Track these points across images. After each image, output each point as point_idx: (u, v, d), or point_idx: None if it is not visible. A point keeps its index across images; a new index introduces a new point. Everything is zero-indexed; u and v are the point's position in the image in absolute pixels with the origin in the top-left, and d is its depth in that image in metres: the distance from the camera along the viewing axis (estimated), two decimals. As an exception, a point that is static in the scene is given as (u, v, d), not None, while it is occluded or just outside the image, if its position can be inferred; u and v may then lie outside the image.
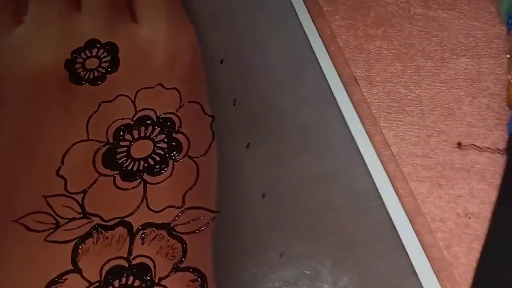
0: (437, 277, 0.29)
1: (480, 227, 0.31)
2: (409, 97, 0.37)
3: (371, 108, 0.36)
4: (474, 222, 0.32)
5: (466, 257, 0.30)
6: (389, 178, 0.33)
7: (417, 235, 0.31)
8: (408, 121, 0.36)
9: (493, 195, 0.32)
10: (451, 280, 0.30)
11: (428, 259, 0.30)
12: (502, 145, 0.34)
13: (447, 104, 0.36)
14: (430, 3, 0.42)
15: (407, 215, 0.32)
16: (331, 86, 0.36)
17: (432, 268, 0.30)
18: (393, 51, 0.39)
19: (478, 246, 0.31)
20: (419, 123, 0.36)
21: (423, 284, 0.29)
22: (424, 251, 0.31)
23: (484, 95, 0.37)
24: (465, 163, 0.34)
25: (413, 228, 0.32)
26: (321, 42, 0.38)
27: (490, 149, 0.34)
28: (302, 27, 0.39)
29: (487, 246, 0.30)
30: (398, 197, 0.33)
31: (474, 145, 0.34)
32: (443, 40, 0.40)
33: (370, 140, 0.34)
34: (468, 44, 0.39)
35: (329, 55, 0.37)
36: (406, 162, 0.34)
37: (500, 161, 0.34)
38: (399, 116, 0.36)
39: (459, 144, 0.34)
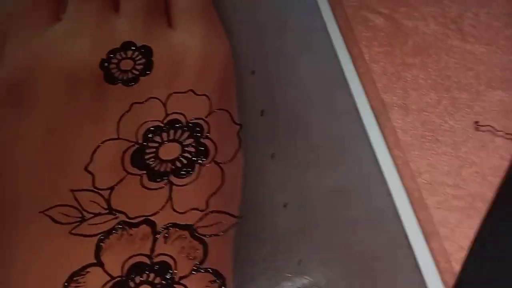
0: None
1: None
2: (443, 127, 0.38)
3: (405, 135, 0.37)
4: None
5: None
6: (407, 197, 0.34)
7: (431, 255, 0.32)
8: (441, 150, 0.37)
9: None
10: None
11: (441, 279, 0.31)
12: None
13: (480, 136, 0.37)
14: (467, 36, 0.43)
15: (423, 236, 0.33)
16: (358, 107, 0.37)
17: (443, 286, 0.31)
18: (429, 81, 0.40)
19: None
20: (452, 154, 0.37)
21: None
22: (437, 270, 0.31)
23: None
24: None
25: (428, 247, 0.32)
26: (351, 64, 0.39)
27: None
28: (334, 47, 0.40)
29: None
30: (416, 218, 0.33)
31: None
32: (479, 73, 0.41)
33: (392, 160, 0.35)
34: (504, 77, 0.40)
35: (358, 77, 0.38)
36: (437, 190, 0.35)
37: None
38: (433, 145, 0.37)
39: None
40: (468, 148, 0.37)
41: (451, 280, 0.30)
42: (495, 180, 0.35)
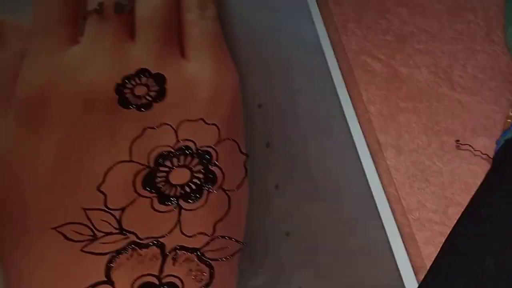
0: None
1: None
2: (432, 168, 0.41)
3: (398, 174, 0.40)
4: None
5: None
6: (399, 232, 0.37)
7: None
8: (429, 190, 0.40)
9: None
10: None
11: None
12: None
13: (464, 178, 0.41)
14: (456, 86, 0.47)
15: (413, 269, 0.35)
16: (356, 145, 0.40)
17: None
18: (420, 125, 0.44)
19: None
20: (440, 194, 0.40)
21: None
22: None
23: None
24: None
25: (416, 280, 0.35)
26: (351, 104, 0.42)
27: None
28: (335, 87, 0.43)
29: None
30: (406, 251, 0.36)
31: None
32: (465, 121, 0.45)
33: (386, 196, 0.38)
34: (487, 125, 0.44)
35: (357, 117, 0.41)
36: (425, 227, 0.38)
37: None
38: (422, 184, 0.40)
39: (457, 141, 0.39)
40: (454, 189, 0.40)
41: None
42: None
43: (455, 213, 0.39)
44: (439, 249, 0.37)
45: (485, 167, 0.41)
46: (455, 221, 0.38)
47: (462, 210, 0.39)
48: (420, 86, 0.47)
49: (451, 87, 0.47)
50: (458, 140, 0.41)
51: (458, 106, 0.46)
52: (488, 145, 0.43)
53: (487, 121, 0.45)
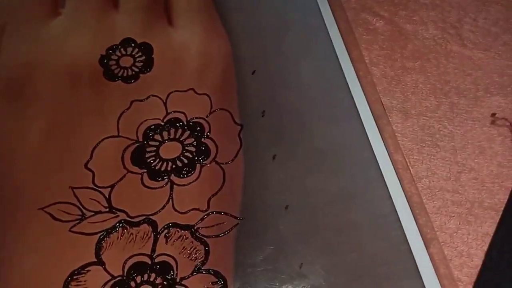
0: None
1: None
2: (442, 132, 0.38)
3: (405, 139, 0.37)
4: None
5: None
6: (407, 202, 0.35)
7: (430, 260, 0.32)
8: (440, 156, 0.37)
9: None
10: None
11: (440, 285, 0.31)
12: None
13: (478, 142, 0.38)
14: (466, 41, 0.43)
15: (423, 241, 0.33)
16: (359, 110, 0.38)
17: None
18: (428, 86, 0.41)
19: None
20: (451, 159, 0.37)
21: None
22: (437, 276, 0.32)
23: None
24: (493, 203, 0.35)
25: (427, 252, 0.33)
26: (352, 66, 0.40)
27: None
28: (334, 49, 0.40)
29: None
30: (416, 223, 0.34)
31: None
32: (477, 79, 0.41)
33: (392, 164, 0.36)
34: (502, 83, 0.41)
35: (359, 79, 0.39)
36: (436, 196, 0.35)
37: None
38: (432, 150, 0.38)
39: (493, 115, 0.36)
40: (467, 154, 0.37)
41: (451, 286, 0.31)
42: (493, 186, 0.36)
43: (468, 180, 0.36)
44: (451, 219, 0.34)
45: (501, 129, 0.38)
46: (468, 188, 0.36)
47: (476, 176, 0.36)
48: (427, 44, 0.43)
49: (461, 43, 0.43)
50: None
51: (469, 63, 0.42)
52: (504, 105, 0.39)
53: (502, 78, 0.41)
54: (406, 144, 0.37)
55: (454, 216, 0.35)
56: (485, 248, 0.33)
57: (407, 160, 0.36)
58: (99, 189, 0.35)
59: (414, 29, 0.44)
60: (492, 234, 0.34)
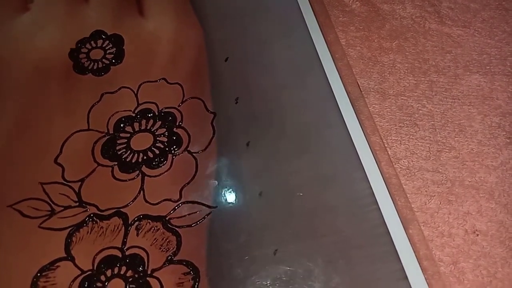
0: (427, 282, 0.29)
1: (487, 245, 0.32)
2: (421, 111, 0.37)
3: (382, 120, 0.36)
4: (481, 239, 0.32)
5: (472, 273, 0.31)
6: (385, 183, 0.33)
7: (409, 241, 0.31)
8: (419, 135, 0.36)
9: (501, 213, 0.33)
10: (440, 285, 0.30)
11: (420, 267, 0.30)
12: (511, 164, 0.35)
13: (458, 120, 0.37)
14: (445, 19, 0.42)
15: (401, 222, 0.32)
16: (334, 92, 0.37)
17: (423, 273, 0.30)
18: (406, 65, 0.39)
19: (485, 263, 0.31)
20: (431, 138, 0.36)
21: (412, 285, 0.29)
22: (417, 258, 0.31)
23: (496, 113, 0.37)
24: (474, 181, 0.34)
25: (406, 234, 0.32)
26: (327, 49, 0.38)
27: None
28: (309, 32, 0.39)
29: None
30: (394, 204, 0.33)
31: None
32: (456, 57, 0.40)
33: (369, 145, 0.35)
34: (481, 61, 0.40)
35: (334, 62, 0.38)
36: (416, 176, 0.34)
37: (509, 180, 0.34)
38: (411, 130, 0.36)
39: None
40: (447, 132, 0.36)
41: (432, 267, 0.30)
42: (474, 165, 0.35)
43: (449, 159, 0.35)
44: (431, 199, 0.33)
45: (480, 107, 0.37)
46: (448, 167, 0.34)
47: (457, 154, 0.35)
48: (404, 23, 0.42)
49: (440, 21, 0.42)
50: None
51: (448, 41, 0.41)
52: (483, 83, 0.38)
53: (481, 56, 0.40)
54: (384, 125, 0.36)
55: (434, 195, 0.33)
56: (467, 227, 0.32)
57: (384, 141, 0.35)
58: (69, 184, 0.34)
59: (392, 8, 0.42)
60: (473, 213, 0.32)
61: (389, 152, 0.35)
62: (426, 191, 0.34)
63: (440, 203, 0.33)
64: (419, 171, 0.35)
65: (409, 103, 0.37)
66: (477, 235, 0.32)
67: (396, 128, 0.36)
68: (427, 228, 0.32)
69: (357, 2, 0.42)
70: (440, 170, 0.35)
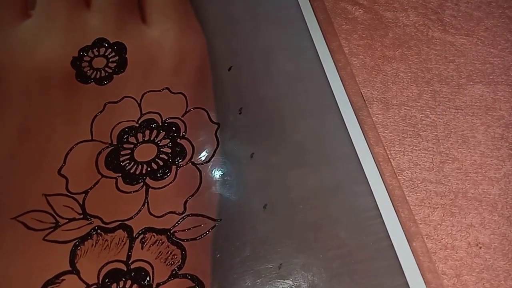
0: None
1: (490, 257, 0.32)
2: (424, 121, 0.37)
3: (386, 131, 0.36)
4: (484, 252, 0.32)
5: (475, 286, 0.31)
6: (389, 196, 0.33)
7: (413, 255, 0.31)
8: (422, 146, 0.36)
9: (503, 226, 0.33)
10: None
11: (423, 280, 0.30)
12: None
13: (461, 131, 0.37)
14: (448, 27, 0.42)
15: (405, 235, 0.32)
16: (338, 102, 0.36)
17: (426, 286, 0.30)
18: (410, 74, 0.39)
19: (488, 276, 0.31)
20: (434, 149, 0.36)
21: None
22: (420, 272, 0.31)
23: (499, 124, 0.37)
24: (477, 193, 0.34)
25: (410, 247, 0.32)
26: (331, 58, 0.38)
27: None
28: (313, 41, 0.39)
29: None
30: (397, 216, 0.33)
31: None
32: (459, 66, 0.40)
33: (372, 156, 0.35)
34: (484, 70, 0.40)
35: (337, 71, 0.37)
36: (419, 187, 0.34)
37: None
38: (414, 140, 0.36)
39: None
40: (450, 143, 0.36)
41: (435, 280, 0.30)
42: (477, 176, 0.35)
43: (452, 170, 0.35)
44: (434, 211, 0.33)
45: (483, 118, 0.37)
46: (451, 179, 0.34)
47: (460, 166, 0.35)
48: (408, 31, 0.42)
49: (443, 29, 0.42)
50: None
51: (451, 49, 0.41)
52: (486, 94, 0.38)
53: (484, 66, 0.40)
54: (387, 135, 0.36)
55: (437, 207, 0.33)
56: (470, 239, 0.32)
57: (388, 152, 0.35)
58: (73, 196, 0.34)
59: (395, 16, 0.42)
60: (476, 225, 0.33)
61: (393, 163, 0.35)
62: (429, 203, 0.34)
63: (443, 215, 0.33)
64: (422, 183, 0.35)
65: (412, 113, 0.37)
66: (480, 247, 0.32)
67: (399, 139, 0.36)
68: (430, 241, 0.32)
69: (360, 10, 0.42)
70: (443, 182, 0.35)
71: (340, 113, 0.36)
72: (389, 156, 0.35)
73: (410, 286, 0.30)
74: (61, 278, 0.31)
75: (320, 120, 0.36)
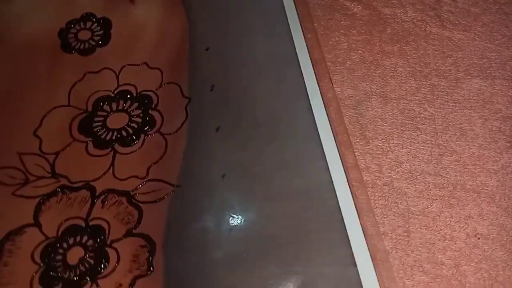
0: (374, 268, 0.30)
1: (488, 248, 0.32)
2: (422, 115, 0.38)
3: (385, 124, 0.37)
4: (482, 242, 0.33)
5: (474, 276, 0.31)
6: (344, 173, 0.34)
7: (362, 230, 0.32)
8: (421, 139, 0.37)
9: (501, 217, 0.33)
10: (388, 270, 0.31)
11: (369, 253, 0.31)
12: (512, 168, 0.35)
13: (459, 124, 0.37)
14: (446, 23, 0.43)
15: (356, 210, 0.33)
16: (306, 85, 0.38)
17: (372, 260, 0.31)
18: (408, 69, 0.40)
19: (486, 266, 0.32)
20: (432, 142, 0.36)
21: (361, 274, 0.30)
22: (367, 245, 0.31)
23: (496, 118, 0.38)
24: (475, 185, 0.35)
25: (360, 223, 0.32)
26: (306, 47, 0.39)
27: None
28: (290, 31, 0.40)
29: None
30: (351, 192, 0.33)
31: None
32: (457, 60, 0.41)
33: (333, 135, 0.35)
34: (482, 65, 0.40)
35: (311, 60, 0.38)
36: (418, 179, 0.35)
37: (510, 184, 0.35)
38: (413, 133, 0.37)
39: None
40: (448, 136, 0.37)
41: (380, 254, 0.30)
42: (475, 168, 0.35)
43: (450, 162, 0.35)
44: (433, 202, 0.34)
45: (481, 111, 0.38)
46: (450, 171, 0.35)
47: (458, 158, 0.35)
48: (406, 27, 0.43)
49: (441, 25, 0.43)
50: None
51: (449, 44, 0.41)
52: (484, 88, 0.39)
53: (482, 60, 0.40)
54: (386, 128, 0.37)
55: (436, 199, 0.34)
56: (468, 230, 0.32)
57: (387, 145, 0.36)
58: (45, 156, 0.36)
59: (393, 12, 0.43)
60: (474, 216, 0.33)
61: (391, 156, 0.36)
62: (428, 194, 0.34)
63: (442, 207, 0.34)
64: (421, 175, 0.35)
65: (411, 106, 0.38)
66: (479, 238, 0.33)
67: (398, 132, 0.37)
68: (429, 232, 0.33)
69: (358, 6, 0.43)
70: (442, 174, 0.35)
71: (308, 96, 0.37)
72: (389, 149, 0.36)
73: (355, 257, 0.31)
74: (23, 230, 0.33)
75: (288, 102, 0.38)
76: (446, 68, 0.40)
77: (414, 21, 0.43)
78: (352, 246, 0.31)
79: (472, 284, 0.31)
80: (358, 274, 0.30)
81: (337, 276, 0.30)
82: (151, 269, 0.31)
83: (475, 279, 0.31)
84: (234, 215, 0.33)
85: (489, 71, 0.40)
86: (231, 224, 0.32)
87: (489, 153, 0.36)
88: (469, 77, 0.39)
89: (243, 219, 0.33)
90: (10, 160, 0.36)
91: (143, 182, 0.34)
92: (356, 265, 0.30)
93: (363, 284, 0.30)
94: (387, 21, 0.43)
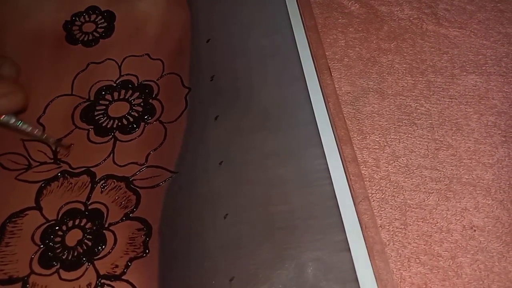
0: (369, 254, 0.30)
1: (484, 240, 0.33)
2: (419, 110, 0.38)
3: (382, 120, 0.38)
4: (478, 235, 0.33)
5: (470, 267, 0.32)
6: (341, 160, 0.34)
7: (357, 215, 0.32)
8: (417, 134, 0.37)
9: (497, 209, 0.34)
10: (385, 262, 0.31)
11: (363, 238, 0.31)
12: (507, 162, 0.36)
13: (455, 119, 0.38)
14: (442, 20, 0.43)
15: (352, 196, 0.33)
16: (305, 75, 0.38)
17: (366, 246, 0.31)
18: (404, 65, 0.41)
19: (482, 257, 0.32)
20: (428, 137, 0.37)
21: (354, 259, 0.30)
22: (362, 231, 0.31)
23: (491, 113, 0.38)
24: (471, 178, 0.35)
25: (357, 217, 0.32)
26: (306, 41, 0.40)
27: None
28: (291, 24, 0.41)
29: None
30: (346, 178, 0.34)
31: None
32: (453, 57, 0.41)
33: (331, 124, 0.36)
34: (477, 61, 0.41)
35: (311, 53, 0.39)
36: (415, 173, 0.35)
37: (505, 177, 0.35)
38: (409, 128, 0.37)
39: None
40: (444, 131, 0.37)
41: (375, 244, 0.31)
42: (471, 162, 0.36)
43: (446, 157, 0.36)
44: (430, 195, 0.34)
45: (477, 106, 0.38)
46: (446, 165, 0.35)
47: (454, 152, 0.36)
48: (402, 24, 0.43)
49: (437, 22, 0.43)
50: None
51: (445, 41, 0.42)
52: (479, 84, 0.39)
53: (477, 57, 0.41)
54: (383, 124, 0.37)
55: (433, 192, 0.34)
56: (464, 223, 0.33)
57: (384, 139, 0.36)
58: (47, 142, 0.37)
59: (390, 10, 0.44)
60: (470, 209, 0.33)
61: (388, 151, 0.36)
62: (424, 188, 0.35)
63: (439, 200, 0.34)
64: (418, 169, 0.35)
65: (408, 102, 0.38)
66: (475, 230, 0.33)
67: (395, 127, 0.37)
68: (426, 224, 0.33)
69: (356, 4, 0.44)
70: (438, 168, 0.35)
71: (307, 85, 0.38)
72: (386, 143, 0.36)
73: (349, 242, 0.31)
74: (25, 213, 0.34)
75: (287, 91, 0.38)
76: (442, 64, 0.40)
77: (411, 19, 0.43)
78: (346, 231, 0.31)
79: (468, 275, 0.31)
80: (352, 260, 0.30)
81: (331, 260, 0.30)
82: (147, 251, 0.32)
83: (471, 270, 0.31)
84: (230, 201, 0.33)
85: (484, 68, 0.40)
86: (226, 210, 0.33)
87: (484, 147, 0.36)
88: (465, 73, 0.40)
89: (238, 205, 0.33)
90: (14, 146, 0.37)
91: (142, 169, 0.35)
92: (350, 251, 0.31)
93: (356, 269, 0.30)
94: (384, 19, 0.43)
